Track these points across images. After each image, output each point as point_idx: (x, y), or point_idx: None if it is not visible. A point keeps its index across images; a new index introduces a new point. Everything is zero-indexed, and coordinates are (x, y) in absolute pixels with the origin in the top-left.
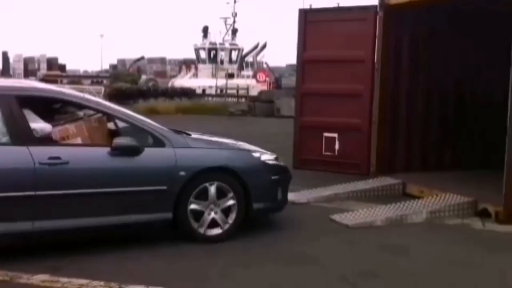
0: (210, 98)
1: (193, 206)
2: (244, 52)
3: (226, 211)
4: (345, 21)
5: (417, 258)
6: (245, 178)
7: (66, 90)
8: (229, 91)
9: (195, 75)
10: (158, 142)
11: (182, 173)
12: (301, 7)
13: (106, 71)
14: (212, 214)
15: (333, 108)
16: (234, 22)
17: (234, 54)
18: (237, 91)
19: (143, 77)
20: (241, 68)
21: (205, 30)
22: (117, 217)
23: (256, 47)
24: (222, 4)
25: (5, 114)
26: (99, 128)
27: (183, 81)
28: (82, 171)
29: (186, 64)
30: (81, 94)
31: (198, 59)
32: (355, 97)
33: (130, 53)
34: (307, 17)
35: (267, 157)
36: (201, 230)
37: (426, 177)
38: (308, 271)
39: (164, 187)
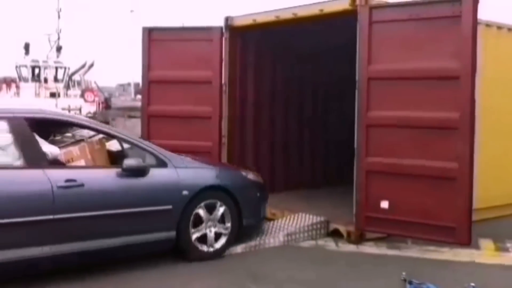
0: None
1: (194, 226)
2: (71, 70)
3: (218, 235)
4: (191, 41)
5: (283, 287)
6: (237, 196)
7: (72, 114)
8: None
9: (17, 94)
10: (161, 163)
11: (185, 192)
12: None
13: None
14: (213, 230)
15: (182, 131)
16: (58, 38)
17: (60, 73)
18: (69, 111)
19: None
20: (67, 87)
21: (27, 47)
22: (128, 238)
23: (83, 65)
24: (46, 20)
25: (17, 136)
26: (100, 150)
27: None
28: (96, 192)
29: (7, 82)
30: (86, 118)
31: (20, 77)
32: (204, 119)
33: None
34: (151, 35)
35: (252, 175)
36: (203, 248)
37: (275, 197)
38: None
39: (170, 206)
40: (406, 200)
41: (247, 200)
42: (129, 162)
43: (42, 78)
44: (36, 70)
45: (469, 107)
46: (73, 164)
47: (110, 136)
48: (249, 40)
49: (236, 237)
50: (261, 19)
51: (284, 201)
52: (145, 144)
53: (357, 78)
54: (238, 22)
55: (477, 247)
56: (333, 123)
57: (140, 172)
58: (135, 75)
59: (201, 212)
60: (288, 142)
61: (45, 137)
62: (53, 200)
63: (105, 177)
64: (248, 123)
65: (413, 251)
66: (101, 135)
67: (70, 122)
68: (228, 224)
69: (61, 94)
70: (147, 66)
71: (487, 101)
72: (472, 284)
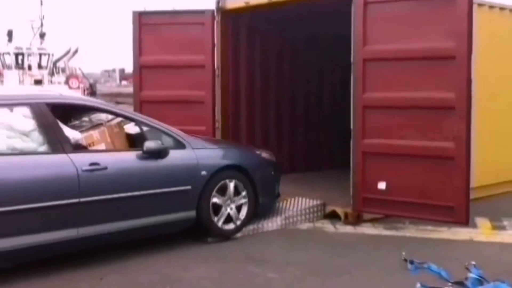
0: None
1: (214, 201)
2: (55, 57)
3: (239, 208)
4: (183, 24)
5: (285, 269)
6: (253, 175)
7: (91, 98)
8: None
9: (0, 81)
10: (179, 144)
11: (204, 172)
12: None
13: None
14: (228, 210)
15: (175, 116)
16: (42, 25)
17: (44, 59)
18: None
19: None
20: (51, 74)
21: (10, 34)
22: (150, 219)
23: (68, 52)
24: (29, 7)
25: (40, 122)
26: (119, 133)
27: None
28: (120, 175)
29: None
30: (104, 102)
31: (4, 65)
32: (197, 104)
33: None
34: (141, 19)
35: (265, 154)
36: (219, 224)
37: None
38: None
39: (189, 187)
40: (403, 181)
41: (262, 179)
42: (149, 144)
43: (26, 65)
44: (20, 57)
45: (466, 87)
46: (94, 148)
47: (128, 119)
48: (241, 24)
49: (254, 213)
50: (254, 1)
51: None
52: (164, 126)
53: (352, 59)
54: (230, 5)
55: (474, 225)
56: (327, 108)
57: (160, 154)
58: (120, 61)
59: (221, 190)
60: (282, 126)
61: (65, 122)
62: (78, 184)
63: (127, 159)
64: (242, 107)
65: (410, 231)
66: (119, 119)
67: (90, 106)
68: (244, 193)
69: (45, 81)
70: (138, 51)
71: (482, 81)
72: (473, 262)
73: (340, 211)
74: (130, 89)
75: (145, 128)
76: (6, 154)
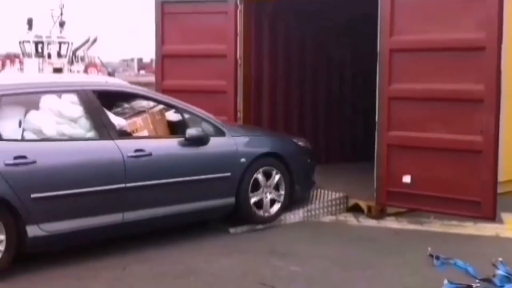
0: None
1: (252, 188)
2: (74, 46)
3: (276, 195)
4: (205, 13)
5: (308, 262)
6: (290, 162)
7: (134, 86)
8: None
9: (21, 69)
10: (219, 132)
11: (243, 159)
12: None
13: None
14: (266, 197)
15: (197, 106)
16: (61, 14)
17: (64, 48)
18: None
19: None
20: (71, 62)
21: (30, 22)
22: (192, 204)
23: (87, 41)
24: None
25: (88, 109)
26: (161, 120)
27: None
28: (163, 161)
29: (10, 58)
30: (147, 89)
31: (24, 53)
32: (219, 94)
33: None
34: (164, 8)
35: (302, 142)
36: (257, 211)
37: None
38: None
39: (229, 174)
40: (429, 174)
41: (299, 167)
42: (192, 131)
43: (45, 53)
44: (40, 46)
45: (495, 79)
46: (137, 134)
47: (171, 107)
48: (264, 13)
49: (289, 203)
50: None
51: None
52: (204, 114)
53: (378, 49)
54: None
55: (500, 221)
56: (349, 99)
57: (201, 141)
58: (138, 51)
59: (259, 177)
60: (304, 118)
61: (108, 108)
62: (124, 170)
63: (170, 146)
64: (264, 97)
65: (435, 226)
66: (160, 106)
67: (135, 93)
68: (282, 192)
69: (65, 70)
70: (161, 40)
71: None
72: (500, 259)
73: (363, 204)
74: (148, 79)
75: (186, 116)
76: (56, 139)
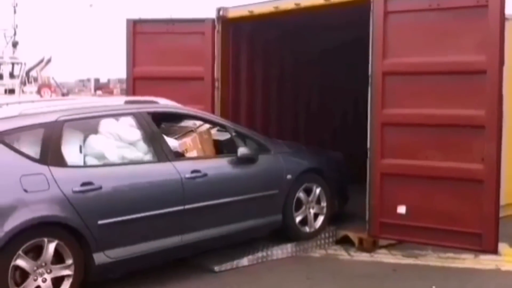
0: None
1: (297, 204)
2: (28, 66)
3: (318, 210)
4: (181, 34)
5: None
6: (330, 177)
7: (184, 107)
8: None
9: None
10: (265, 149)
11: (289, 176)
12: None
13: None
14: (309, 212)
15: None
16: (14, 34)
17: (17, 68)
18: None
19: None
20: (24, 83)
21: None
22: (243, 223)
23: (41, 61)
24: (1, 15)
25: (144, 131)
26: (208, 140)
27: None
28: (218, 181)
29: None
30: (194, 109)
31: None
32: None
33: None
34: (136, 28)
35: (339, 156)
36: (301, 228)
37: None
38: None
39: (276, 191)
40: (426, 205)
41: (337, 181)
42: (243, 150)
43: None
44: None
45: (496, 104)
46: (188, 155)
47: (219, 126)
48: (242, 33)
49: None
50: (258, 10)
51: None
52: (250, 132)
53: (370, 72)
54: (232, 14)
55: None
56: (332, 123)
57: (252, 159)
58: (95, 71)
59: (301, 195)
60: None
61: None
62: (183, 191)
63: (223, 166)
64: (242, 121)
65: (432, 259)
66: (207, 125)
67: (186, 114)
68: (324, 204)
69: (17, 91)
70: (132, 61)
71: None
72: None
73: (353, 236)
74: None
75: (232, 134)
76: (118, 164)
